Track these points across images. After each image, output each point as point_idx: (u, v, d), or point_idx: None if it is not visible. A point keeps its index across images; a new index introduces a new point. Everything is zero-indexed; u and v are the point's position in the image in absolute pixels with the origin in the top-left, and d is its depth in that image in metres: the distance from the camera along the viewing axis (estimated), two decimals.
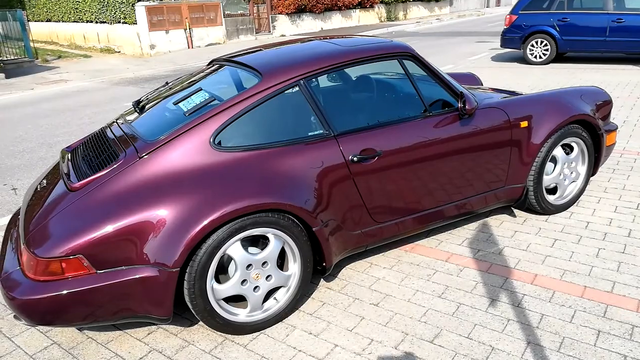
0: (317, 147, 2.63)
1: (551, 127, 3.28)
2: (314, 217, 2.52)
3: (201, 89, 2.84)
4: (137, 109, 2.98)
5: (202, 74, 3.21)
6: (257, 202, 2.32)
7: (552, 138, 3.33)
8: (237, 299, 2.59)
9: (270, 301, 2.58)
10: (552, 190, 3.63)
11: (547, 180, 3.48)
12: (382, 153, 2.76)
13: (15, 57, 14.83)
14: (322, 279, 2.97)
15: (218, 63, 3.22)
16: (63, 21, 19.84)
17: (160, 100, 2.97)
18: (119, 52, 17.00)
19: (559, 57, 10.52)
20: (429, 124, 2.92)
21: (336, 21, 23.17)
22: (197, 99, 2.72)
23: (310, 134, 2.66)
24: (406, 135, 2.84)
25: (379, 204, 2.83)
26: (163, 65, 13.84)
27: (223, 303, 2.44)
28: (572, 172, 3.58)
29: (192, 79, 3.19)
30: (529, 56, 10.16)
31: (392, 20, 26.61)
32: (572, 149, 3.57)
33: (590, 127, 3.56)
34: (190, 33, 16.77)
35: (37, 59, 15.48)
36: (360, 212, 2.79)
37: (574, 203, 3.66)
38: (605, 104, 3.72)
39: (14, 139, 6.86)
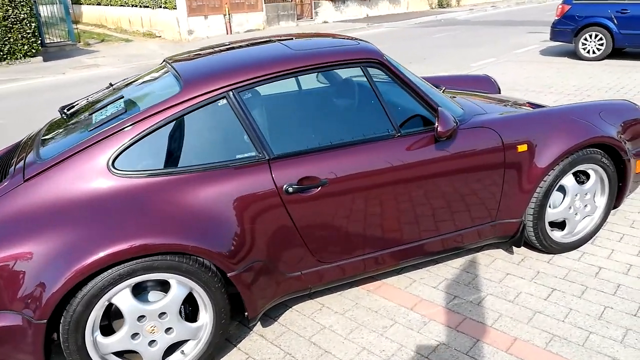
0: (245, 173, 2.18)
1: (559, 152, 2.67)
2: (231, 260, 2.09)
3: (122, 97, 2.45)
4: (63, 116, 2.63)
5: (145, 76, 2.81)
6: (148, 243, 1.91)
7: (560, 165, 2.71)
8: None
9: (177, 355, 2.18)
10: (561, 224, 3.01)
11: (553, 214, 2.87)
12: (328, 182, 2.27)
13: (58, 41, 15.09)
14: (259, 321, 2.54)
15: (165, 63, 2.81)
16: (111, 5, 20.13)
17: (89, 108, 2.60)
18: (160, 36, 17.03)
19: (616, 53, 9.44)
20: (394, 147, 2.40)
21: (383, 8, 22.30)
22: (111, 109, 2.33)
23: (238, 156, 2.22)
24: (364, 161, 2.34)
25: (323, 242, 2.36)
26: None
27: (114, 358, 2.06)
28: (586, 205, 2.95)
29: (132, 81, 2.80)
30: (581, 51, 9.16)
31: (444, 7, 25.35)
32: (588, 176, 2.93)
33: (613, 151, 2.90)
34: (229, 19, 16.52)
35: (79, 42, 15.71)
36: (299, 252, 2.33)
37: (587, 241, 3.03)
38: (635, 123, 3.03)
39: (30, 122, 6.79)
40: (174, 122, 2.16)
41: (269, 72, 2.28)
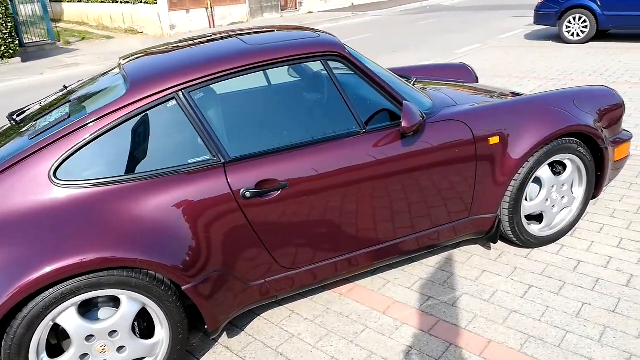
0: (198, 179, 2.06)
1: (532, 143, 2.57)
2: (186, 272, 1.97)
3: (70, 101, 2.32)
4: (12, 122, 2.49)
5: (98, 78, 2.67)
6: (91, 258, 1.79)
7: (535, 157, 2.61)
8: None
9: None
10: (539, 217, 2.91)
11: (530, 207, 2.77)
12: (289, 185, 2.16)
13: (38, 40, 14.80)
14: (225, 331, 2.44)
15: (120, 63, 2.67)
16: (92, 2, 19.78)
17: (38, 113, 2.46)
18: (142, 32, 16.75)
19: (600, 35, 9.34)
20: (359, 144, 2.29)
21: None
22: (55, 115, 2.19)
23: (190, 161, 2.09)
24: (327, 160, 2.22)
25: (287, 248, 2.25)
26: None
27: None
28: (563, 197, 2.85)
29: (84, 83, 2.66)
30: (565, 34, 9.05)
31: None
32: (565, 167, 2.83)
33: (590, 140, 2.80)
34: (212, 12, 16.27)
35: (59, 41, 15.42)
36: (261, 259, 2.21)
37: (566, 233, 2.94)
38: (613, 109, 2.93)
39: None
40: (120, 126, 2.03)
41: (221, 69, 2.15)
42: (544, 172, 2.73)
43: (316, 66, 2.48)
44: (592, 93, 2.91)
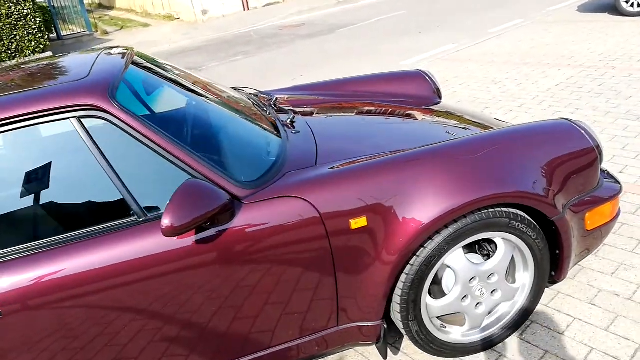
0: None
1: (429, 221, 1.70)
2: None
3: None
4: None
5: None
6: None
7: (435, 241, 1.74)
8: None
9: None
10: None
11: (439, 308, 1.90)
12: (3, 314, 1.47)
13: (77, 32, 14.90)
14: None
15: None
16: None
17: None
18: (178, 18, 16.47)
19: None
20: (130, 240, 1.55)
21: None
22: None
23: None
24: (80, 267, 1.51)
25: None
26: (207, 33, 12.95)
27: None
28: (494, 291, 1.94)
29: None
30: (623, 4, 7.49)
31: None
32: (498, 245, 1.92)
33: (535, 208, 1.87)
34: None
35: (96, 31, 15.47)
36: None
37: (513, 332, 2.04)
38: (576, 156, 1.95)
39: None
40: None
41: None
42: (455, 259, 1.84)
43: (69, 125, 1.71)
44: (542, 134, 1.95)
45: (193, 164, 1.59)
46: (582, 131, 1.96)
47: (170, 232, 1.43)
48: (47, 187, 1.60)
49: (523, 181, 1.80)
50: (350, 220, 1.67)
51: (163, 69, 2.22)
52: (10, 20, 11.60)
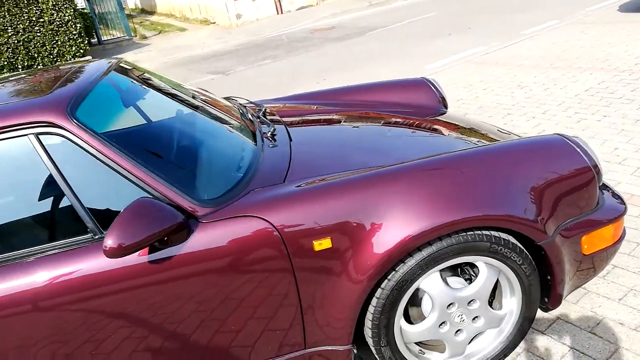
0: None
1: (398, 244, 1.60)
2: None
3: None
4: None
5: None
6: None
7: (407, 264, 1.64)
8: None
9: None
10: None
11: (416, 335, 1.79)
12: None
13: (117, 37, 15.37)
14: None
15: None
16: None
17: None
18: (214, 23, 16.73)
19: None
20: (87, 258, 1.53)
21: None
22: None
23: None
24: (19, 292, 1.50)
25: None
26: (240, 37, 13.09)
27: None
28: (475, 318, 1.82)
29: None
30: None
31: None
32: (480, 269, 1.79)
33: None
34: None
35: (135, 36, 15.90)
36: None
37: None
38: (570, 176, 1.79)
39: None
40: None
41: None
42: (431, 284, 1.72)
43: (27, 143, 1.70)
44: (532, 151, 1.80)
45: (150, 182, 1.55)
46: (577, 148, 1.81)
47: (110, 253, 1.39)
48: (3, 203, 1.60)
49: (508, 202, 1.67)
50: (313, 242, 1.59)
51: (147, 81, 2.20)
52: (52, 27, 12.08)
